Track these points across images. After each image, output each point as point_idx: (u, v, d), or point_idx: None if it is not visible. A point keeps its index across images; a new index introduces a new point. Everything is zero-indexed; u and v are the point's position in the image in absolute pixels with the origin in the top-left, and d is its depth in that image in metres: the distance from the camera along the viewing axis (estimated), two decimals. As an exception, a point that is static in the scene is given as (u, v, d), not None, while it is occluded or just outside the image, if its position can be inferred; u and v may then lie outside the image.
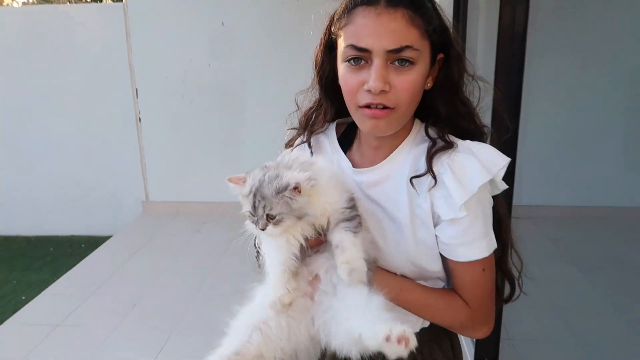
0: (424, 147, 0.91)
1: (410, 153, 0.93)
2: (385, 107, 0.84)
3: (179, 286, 3.04)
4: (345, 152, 1.00)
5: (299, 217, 0.81)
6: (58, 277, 3.25)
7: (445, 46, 0.88)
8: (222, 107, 4.11)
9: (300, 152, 0.98)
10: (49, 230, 4.31)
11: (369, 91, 0.83)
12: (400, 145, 0.94)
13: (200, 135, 4.18)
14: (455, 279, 0.91)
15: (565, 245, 3.48)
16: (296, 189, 0.79)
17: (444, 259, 0.91)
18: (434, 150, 0.88)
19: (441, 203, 0.87)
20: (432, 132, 0.92)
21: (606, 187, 4.00)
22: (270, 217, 0.80)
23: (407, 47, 0.81)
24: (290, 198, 0.79)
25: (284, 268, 0.82)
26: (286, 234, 0.83)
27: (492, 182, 0.87)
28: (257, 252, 0.95)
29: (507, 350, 2.26)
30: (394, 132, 0.91)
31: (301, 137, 1.06)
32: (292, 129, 1.09)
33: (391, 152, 0.94)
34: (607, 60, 3.70)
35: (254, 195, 0.81)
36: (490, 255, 0.89)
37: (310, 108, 1.03)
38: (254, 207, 0.81)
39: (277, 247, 0.84)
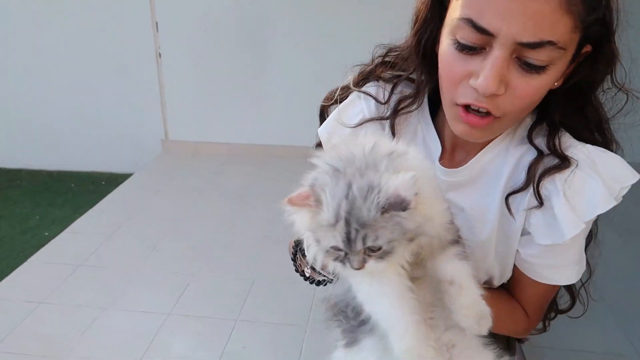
0: (526, 149, 0.72)
1: (508, 152, 0.72)
2: (488, 114, 0.62)
3: (198, 230, 3.01)
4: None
5: (411, 240, 0.55)
6: (80, 214, 3.26)
7: (598, 38, 0.62)
8: (247, 43, 3.91)
9: (375, 135, 0.67)
10: (70, 165, 4.29)
11: (475, 88, 0.60)
12: (496, 139, 0.72)
13: (223, 72, 4.02)
14: (521, 289, 0.79)
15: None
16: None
17: (514, 268, 0.77)
18: (545, 169, 0.67)
19: (539, 223, 0.70)
20: (538, 138, 0.71)
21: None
22: (373, 250, 0.53)
23: (549, 43, 0.56)
24: (405, 218, 0.52)
25: (417, 317, 0.57)
26: (393, 265, 0.56)
27: None
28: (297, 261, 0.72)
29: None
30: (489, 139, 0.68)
31: (365, 102, 0.81)
32: (363, 92, 0.81)
33: (483, 145, 0.72)
34: None
35: (347, 223, 0.52)
36: None
37: (398, 76, 0.76)
38: (349, 241, 0.52)
39: (392, 290, 0.56)
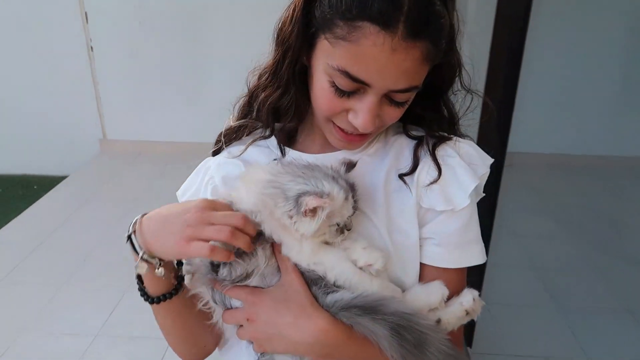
0: (402, 141, 0.79)
1: (387, 143, 0.79)
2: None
3: (135, 238, 2.80)
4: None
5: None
6: (6, 223, 2.99)
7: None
8: (185, 34, 3.69)
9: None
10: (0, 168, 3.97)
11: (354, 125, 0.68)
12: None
13: (161, 67, 3.79)
14: None
15: (547, 197, 3.34)
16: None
17: (422, 273, 0.75)
18: (434, 142, 0.75)
19: (434, 195, 0.73)
20: (415, 132, 0.79)
21: (594, 134, 3.84)
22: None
23: (414, 87, 0.66)
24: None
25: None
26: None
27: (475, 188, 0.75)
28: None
29: (483, 315, 2.13)
30: None
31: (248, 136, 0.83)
32: (241, 121, 0.82)
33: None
34: (606, 14, 3.47)
35: (353, 191, 0.67)
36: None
37: (275, 97, 0.75)
38: (356, 203, 0.68)
39: (342, 256, 0.68)
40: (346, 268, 0.66)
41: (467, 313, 0.70)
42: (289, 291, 0.65)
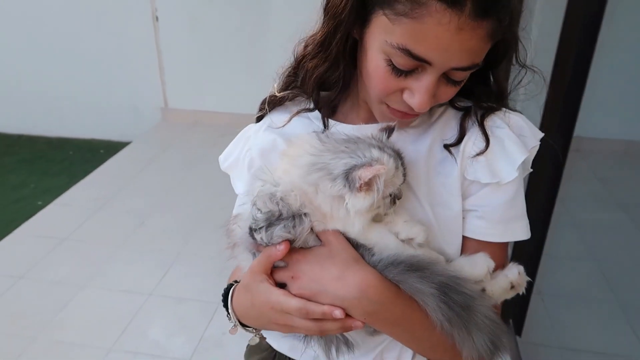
0: (448, 112, 0.76)
1: (432, 115, 0.76)
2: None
3: (188, 206, 2.90)
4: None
5: None
6: (74, 184, 3.18)
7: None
8: (248, 6, 3.71)
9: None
10: (70, 132, 4.21)
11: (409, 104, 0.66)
12: None
13: (223, 38, 3.83)
14: None
15: (616, 186, 3.13)
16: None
17: (464, 246, 0.74)
18: (482, 113, 0.73)
19: (480, 167, 0.71)
20: (462, 103, 0.75)
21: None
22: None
23: (476, 65, 0.64)
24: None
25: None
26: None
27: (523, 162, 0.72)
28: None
29: (535, 306, 2.05)
30: None
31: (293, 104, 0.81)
32: (285, 92, 0.80)
33: None
34: None
35: (402, 160, 0.66)
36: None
37: (322, 70, 0.73)
38: (405, 171, 0.67)
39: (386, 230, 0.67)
40: (390, 242, 0.65)
41: (512, 287, 0.67)
42: (334, 249, 0.65)
